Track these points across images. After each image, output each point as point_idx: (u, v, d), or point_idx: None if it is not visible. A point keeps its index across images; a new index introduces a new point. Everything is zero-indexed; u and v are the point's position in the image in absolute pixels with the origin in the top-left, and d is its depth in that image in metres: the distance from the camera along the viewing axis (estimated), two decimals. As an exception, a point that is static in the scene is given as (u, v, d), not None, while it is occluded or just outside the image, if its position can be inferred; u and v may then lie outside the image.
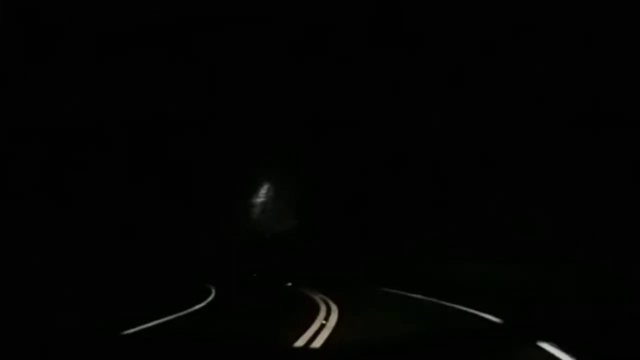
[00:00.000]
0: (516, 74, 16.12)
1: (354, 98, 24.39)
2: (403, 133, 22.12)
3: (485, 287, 13.39)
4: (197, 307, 11.88)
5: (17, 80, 17.83)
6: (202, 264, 29.76)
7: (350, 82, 24.08)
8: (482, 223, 17.21)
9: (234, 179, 34.19)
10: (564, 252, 12.83)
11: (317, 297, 14.07)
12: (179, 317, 9.70)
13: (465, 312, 10.37)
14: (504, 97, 16.58)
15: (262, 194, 37.16)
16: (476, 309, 10.18)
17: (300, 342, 6.92)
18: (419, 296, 14.24)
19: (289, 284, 18.99)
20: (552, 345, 6.28)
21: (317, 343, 6.91)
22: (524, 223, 15.47)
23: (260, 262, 30.46)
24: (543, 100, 15.34)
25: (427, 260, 18.09)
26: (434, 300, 12.99)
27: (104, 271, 19.61)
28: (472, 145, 18.25)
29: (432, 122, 19.97)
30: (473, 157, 18.26)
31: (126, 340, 4.98)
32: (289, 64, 25.84)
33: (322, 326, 7.87)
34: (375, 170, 24.60)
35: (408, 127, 21.67)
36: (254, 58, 25.05)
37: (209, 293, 16.23)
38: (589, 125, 13.65)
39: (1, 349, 2.52)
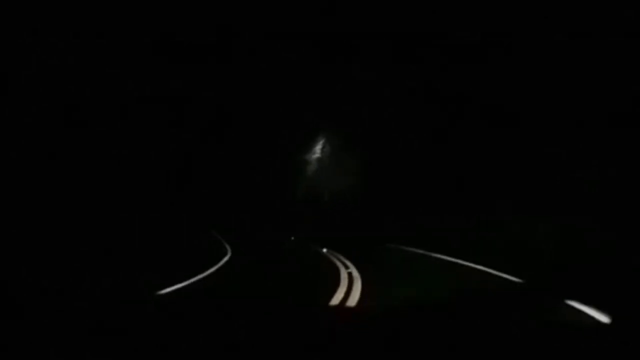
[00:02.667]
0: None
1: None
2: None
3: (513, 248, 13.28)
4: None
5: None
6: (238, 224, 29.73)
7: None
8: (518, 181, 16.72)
9: (288, 133, 33.24)
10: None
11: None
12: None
13: (492, 273, 10.19)
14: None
15: (318, 150, 35.78)
16: (503, 271, 9.95)
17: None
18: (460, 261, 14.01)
19: (324, 250, 18.27)
20: (581, 303, 6.24)
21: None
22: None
23: (311, 225, 29.36)
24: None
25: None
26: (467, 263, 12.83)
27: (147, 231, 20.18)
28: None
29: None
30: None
31: (161, 299, 5.37)
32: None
33: None
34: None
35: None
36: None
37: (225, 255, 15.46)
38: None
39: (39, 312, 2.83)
